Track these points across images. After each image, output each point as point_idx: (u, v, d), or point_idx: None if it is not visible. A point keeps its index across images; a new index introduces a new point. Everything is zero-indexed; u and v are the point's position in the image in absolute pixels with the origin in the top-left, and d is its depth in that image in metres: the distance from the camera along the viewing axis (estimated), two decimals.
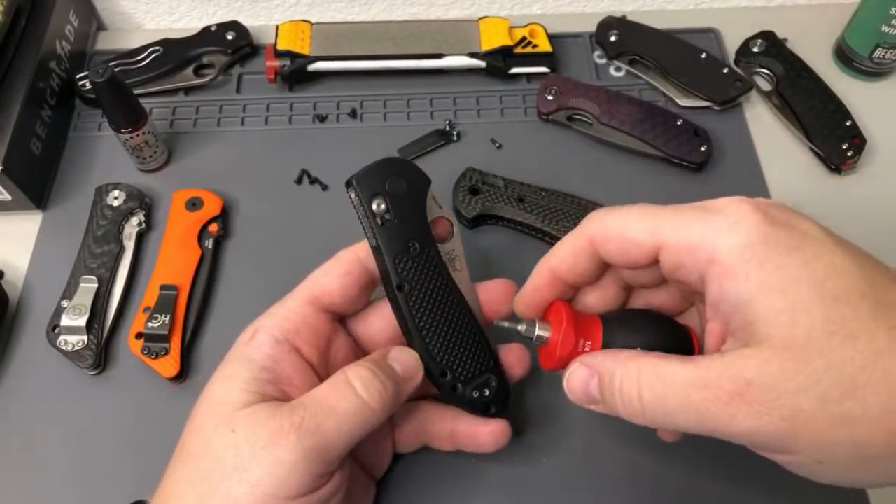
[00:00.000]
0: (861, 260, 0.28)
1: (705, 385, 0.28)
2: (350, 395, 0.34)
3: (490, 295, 0.40)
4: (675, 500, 0.43)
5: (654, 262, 0.32)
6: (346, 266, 0.38)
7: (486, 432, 0.39)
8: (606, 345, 0.34)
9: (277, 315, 0.37)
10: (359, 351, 0.40)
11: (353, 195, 0.37)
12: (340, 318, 0.40)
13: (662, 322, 0.36)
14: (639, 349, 0.32)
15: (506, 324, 0.37)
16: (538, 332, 0.35)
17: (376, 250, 0.37)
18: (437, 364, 0.38)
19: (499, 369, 0.39)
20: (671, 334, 0.35)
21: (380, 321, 0.40)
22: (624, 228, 0.32)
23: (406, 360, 0.37)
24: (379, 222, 0.37)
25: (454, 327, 0.38)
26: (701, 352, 0.35)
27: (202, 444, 0.33)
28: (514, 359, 0.40)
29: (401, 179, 0.37)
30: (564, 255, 0.35)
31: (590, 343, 0.34)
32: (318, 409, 0.33)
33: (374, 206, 0.36)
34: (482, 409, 0.39)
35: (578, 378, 0.33)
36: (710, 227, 0.29)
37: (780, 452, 0.29)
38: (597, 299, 0.37)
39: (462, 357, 0.38)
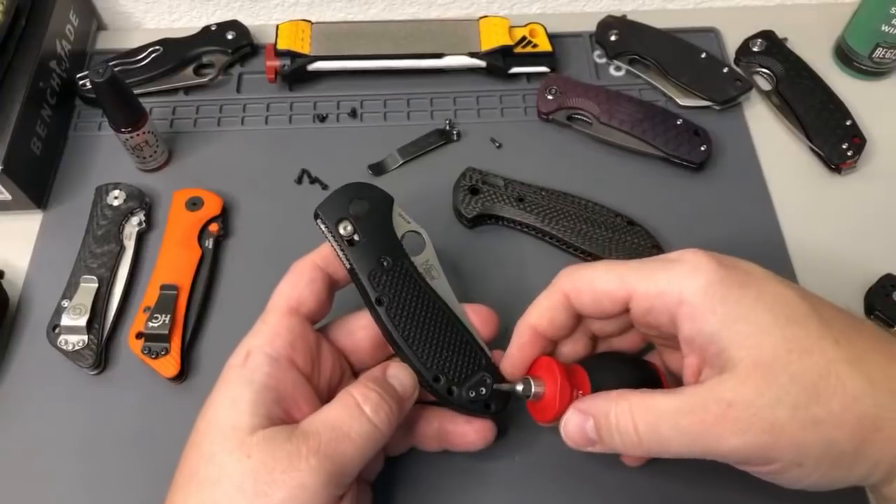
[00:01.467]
0: (795, 287, 0.33)
1: (692, 410, 0.31)
2: (363, 420, 0.35)
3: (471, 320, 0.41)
4: (666, 489, 0.43)
5: (624, 310, 0.36)
6: (308, 274, 0.39)
7: (472, 430, 0.40)
8: (595, 390, 0.36)
9: (265, 332, 0.37)
10: (342, 357, 0.41)
11: (320, 224, 0.39)
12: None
13: (634, 362, 0.40)
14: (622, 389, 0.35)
15: (505, 386, 0.38)
16: (535, 388, 0.37)
17: (351, 272, 0.39)
18: (429, 370, 0.38)
19: (493, 367, 0.39)
20: (643, 371, 0.39)
21: (361, 330, 0.41)
22: (593, 281, 0.36)
23: (404, 377, 0.38)
24: (348, 243, 0.38)
25: (439, 332, 0.39)
26: (667, 384, 0.39)
27: (217, 470, 0.33)
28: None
29: (363, 201, 0.39)
30: (542, 312, 0.38)
31: (581, 391, 0.37)
32: (334, 435, 0.34)
33: (341, 230, 0.38)
34: (482, 408, 0.39)
35: (574, 424, 0.35)
36: (674, 274, 0.34)
37: (765, 464, 0.32)
38: (570, 351, 0.40)
39: (452, 359, 0.39)
